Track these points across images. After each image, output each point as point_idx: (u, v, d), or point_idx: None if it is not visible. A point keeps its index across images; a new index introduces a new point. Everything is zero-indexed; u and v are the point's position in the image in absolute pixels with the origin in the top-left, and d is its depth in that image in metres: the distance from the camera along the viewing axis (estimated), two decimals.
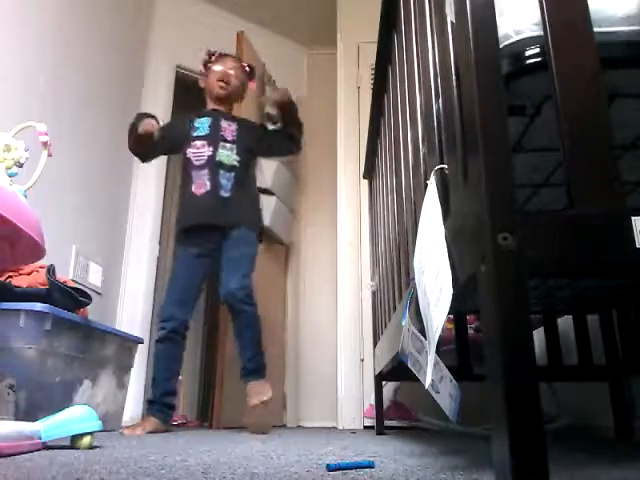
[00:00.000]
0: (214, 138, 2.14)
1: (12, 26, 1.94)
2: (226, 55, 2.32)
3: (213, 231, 2.08)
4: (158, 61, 3.21)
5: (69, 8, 2.32)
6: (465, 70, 0.70)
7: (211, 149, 2.11)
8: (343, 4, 3.25)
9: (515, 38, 0.76)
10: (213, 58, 2.28)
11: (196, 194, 2.07)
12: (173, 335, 1.99)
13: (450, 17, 0.81)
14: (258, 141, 2.24)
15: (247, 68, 2.33)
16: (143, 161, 2.30)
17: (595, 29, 0.68)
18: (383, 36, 1.58)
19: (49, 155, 1.21)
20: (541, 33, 0.71)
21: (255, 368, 1.98)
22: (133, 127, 2.05)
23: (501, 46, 0.73)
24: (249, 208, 2.17)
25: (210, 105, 2.27)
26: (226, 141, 2.14)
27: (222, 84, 2.21)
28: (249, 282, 2.04)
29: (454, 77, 0.79)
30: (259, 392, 1.92)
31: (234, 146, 2.14)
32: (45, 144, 1.20)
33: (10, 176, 1.13)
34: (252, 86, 2.40)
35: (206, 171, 2.08)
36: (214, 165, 2.09)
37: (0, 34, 1.87)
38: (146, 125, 1.98)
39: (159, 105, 3.15)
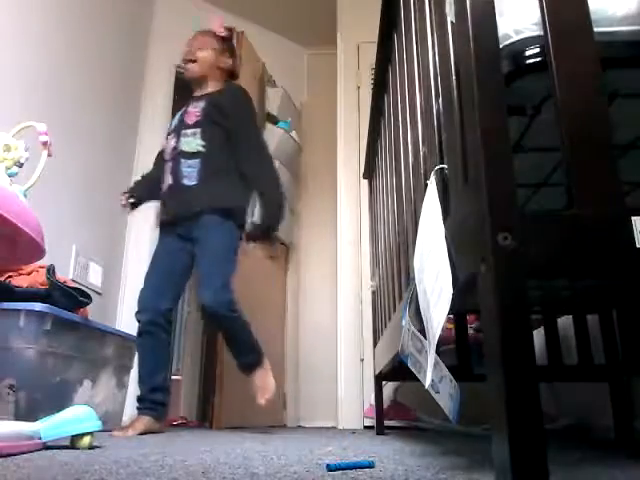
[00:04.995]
0: (178, 128, 2.01)
1: (12, 28, 1.94)
2: (198, 33, 2.18)
3: (185, 222, 1.92)
4: (158, 61, 3.21)
5: (69, 8, 2.32)
6: (465, 70, 0.70)
7: (175, 140, 1.99)
8: (343, 4, 3.25)
9: (515, 38, 0.76)
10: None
11: (163, 189, 1.98)
12: (151, 328, 1.86)
13: (450, 17, 0.81)
14: (227, 120, 1.98)
15: (220, 32, 2.15)
16: None
17: (595, 29, 0.68)
18: (383, 36, 1.58)
19: (49, 155, 1.21)
20: (541, 33, 0.71)
21: (252, 362, 1.89)
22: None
23: (501, 46, 0.73)
24: (223, 194, 1.92)
25: (196, 90, 2.13)
26: (188, 127, 1.98)
27: (187, 65, 2.09)
28: (229, 294, 1.82)
29: (454, 77, 0.79)
30: (263, 387, 1.86)
31: (197, 130, 1.96)
32: (45, 144, 1.20)
33: (10, 176, 1.13)
34: (220, 31, 2.16)
35: (170, 164, 1.97)
36: (176, 155, 1.96)
37: (1, 36, 1.87)
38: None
39: (159, 105, 3.16)
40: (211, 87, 2.09)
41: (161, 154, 2.14)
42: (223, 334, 1.93)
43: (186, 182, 1.91)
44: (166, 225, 2.00)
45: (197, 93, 2.11)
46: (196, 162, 1.93)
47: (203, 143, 1.94)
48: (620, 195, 0.63)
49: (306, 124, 3.66)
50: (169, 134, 2.07)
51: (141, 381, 1.87)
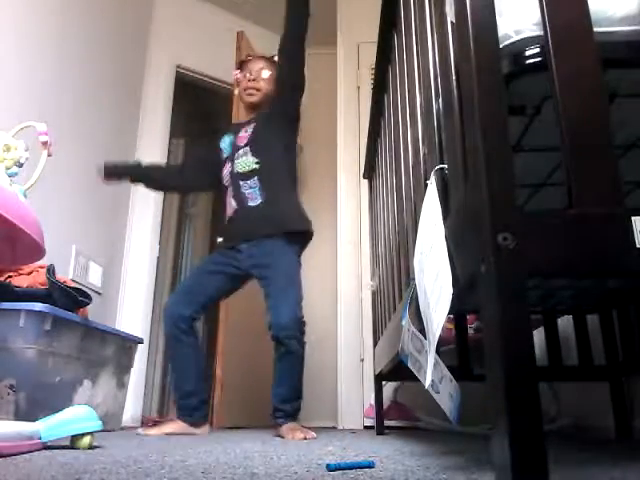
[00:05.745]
0: (232, 152, 2.05)
1: (12, 28, 1.93)
2: (253, 58, 2.22)
3: (246, 242, 1.95)
4: (158, 61, 3.21)
5: (69, 8, 2.32)
6: (465, 70, 0.70)
7: (230, 165, 2.02)
8: (343, 4, 3.25)
9: (515, 38, 0.76)
10: (241, 67, 2.21)
11: (228, 214, 2.02)
12: (174, 331, 1.88)
13: (450, 17, 0.81)
14: (278, 96, 2.03)
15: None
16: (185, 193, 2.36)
17: (595, 29, 0.68)
18: (383, 36, 1.58)
19: (49, 155, 1.21)
20: (541, 33, 0.71)
21: (289, 413, 1.81)
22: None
23: (501, 46, 0.73)
24: (286, 211, 1.96)
25: (247, 114, 2.20)
26: (239, 148, 2.02)
27: (250, 91, 2.11)
28: (301, 312, 1.85)
29: (454, 77, 0.79)
30: (293, 431, 1.72)
31: (247, 148, 2.00)
32: (45, 144, 1.20)
33: (10, 176, 1.13)
34: None
35: (231, 189, 2.00)
36: (234, 179, 1.99)
37: (0, 36, 1.87)
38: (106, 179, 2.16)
39: (159, 105, 3.16)
40: (259, 110, 2.12)
41: (193, 156, 2.20)
42: (280, 364, 1.84)
43: (250, 203, 1.94)
44: (223, 246, 2.05)
45: (247, 118, 2.16)
46: (254, 181, 1.95)
47: (257, 159, 1.97)
48: (620, 195, 0.62)
49: (306, 124, 3.65)
50: (224, 162, 2.08)
51: (174, 388, 1.92)
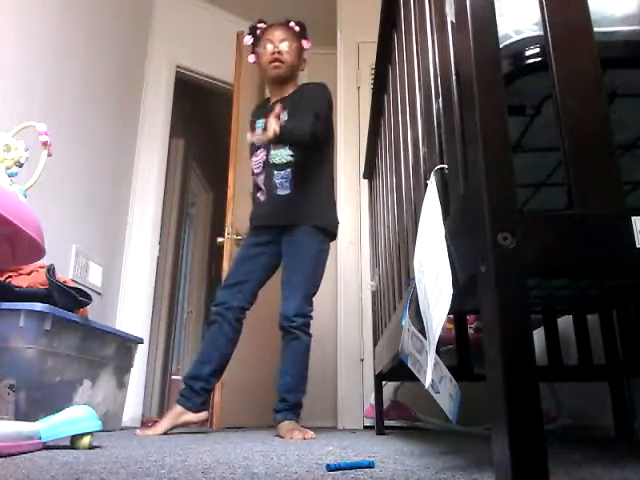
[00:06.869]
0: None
1: (12, 28, 1.93)
2: (268, 27, 2.12)
3: (274, 229, 1.99)
4: (158, 61, 3.21)
5: (69, 8, 2.32)
6: (465, 70, 0.70)
7: (265, 152, 2.02)
8: (343, 4, 3.25)
9: (515, 38, 0.76)
10: (258, 33, 2.12)
11: (259, 199, 2.04)
12: (218, 318, 1.91)
13: (450, 17, 0.81)
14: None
15: (297, 28, 2.12)
16: None
17: (595, 29, 0.68)
18: (383, 36, 1.58)
19: (49, 155, 1.21)
20: (541, 33, 0.71)
21: (291, 405, 1.80)
22: None
23: (501, 46, 0.73)
24: (313, 205, 1.97)
25: (269, 88, 2.15)
26: None
27: (276, 64, 2.02)
28: (309, 307, 1.90)
29: (454, 77, 0.79)
30: (291, 431, 1.68)
31: None
32: (45, 144, 1.21)
33: (10, 176, 1.13)
34: (308, 46, 2.14)
35: (262, 177, 2.02)
36: (268, 167, 2.00)
37: (0, 36, 1.87)
38: None
39: (159, 105, 3.16)
40: (287, 90, 2.07)
41: None
42: (285, 351, 1.87)
43: (279, 192, 1.97)
44: (253, 231, 2.07)
45: (275, 97, 2.09)
46: (287, 172, 1.97)
47: (292, 152, 1.97)
48: (620, 195, 0.62)
49: None
50: (257, 148, 2.05)
51: (190, 367, 1.92)
